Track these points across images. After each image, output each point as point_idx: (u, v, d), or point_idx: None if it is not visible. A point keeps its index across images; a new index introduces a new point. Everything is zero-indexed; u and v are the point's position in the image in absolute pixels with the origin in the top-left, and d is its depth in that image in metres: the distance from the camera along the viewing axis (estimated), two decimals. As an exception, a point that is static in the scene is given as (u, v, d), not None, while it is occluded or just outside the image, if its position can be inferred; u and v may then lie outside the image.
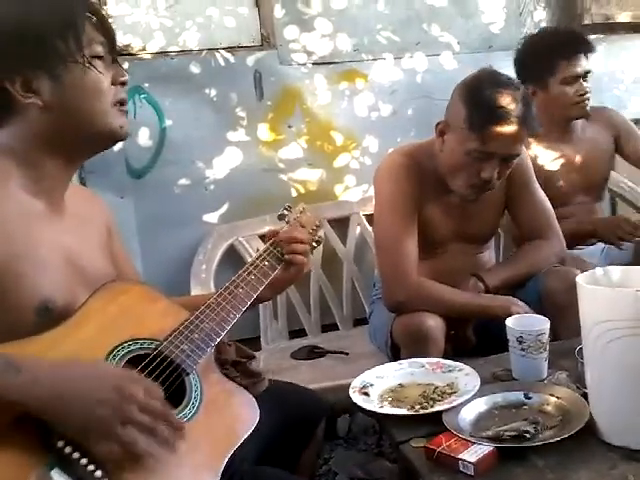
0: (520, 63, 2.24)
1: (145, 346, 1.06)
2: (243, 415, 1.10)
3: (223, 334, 1.15)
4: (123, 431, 0.89)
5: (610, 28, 2.87)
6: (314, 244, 1.47)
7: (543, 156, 2.22)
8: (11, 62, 1.02)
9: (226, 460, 1.01)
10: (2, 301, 0.97)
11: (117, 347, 1.03)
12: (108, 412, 0.89)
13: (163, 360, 1.05)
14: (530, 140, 2.12)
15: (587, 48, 2.18)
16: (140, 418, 0.91)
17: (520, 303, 1.72)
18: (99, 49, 1.07)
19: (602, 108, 2.35)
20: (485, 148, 1.67)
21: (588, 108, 2.20)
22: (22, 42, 1.02)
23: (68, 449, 0.89)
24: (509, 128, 1.66)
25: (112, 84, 1.09)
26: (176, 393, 1.05)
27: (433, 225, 1.82)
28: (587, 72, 2.18)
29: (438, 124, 1.78)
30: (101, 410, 0.89)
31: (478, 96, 1.68)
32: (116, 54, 1.12)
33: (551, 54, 2.16)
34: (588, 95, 2.18)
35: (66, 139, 1.07)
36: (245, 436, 1.06)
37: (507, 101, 1.67)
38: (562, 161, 2.24)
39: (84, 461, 0.89)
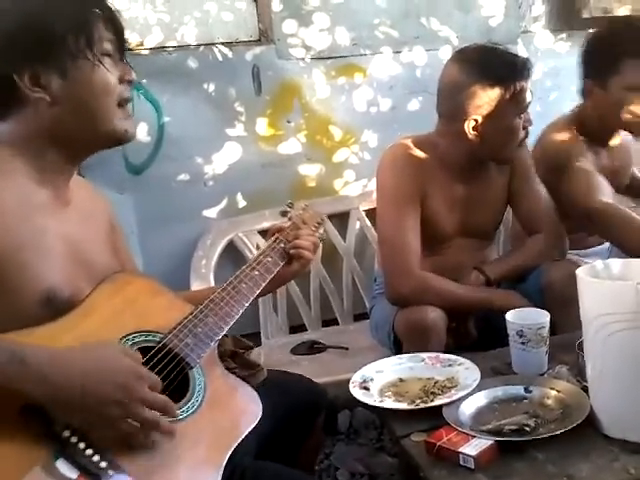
0: (582, 55, 1.93)
1: (149, 338, 1.06)
2: (246, 409, 1.11)
3: (226, 329, 1.15)
4: (127, 425, 0.91)
5: (609, 22, 2.85)
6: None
7: (581, 157, 1.91)
8: (20, 56, 1.03)
9: (229, 454, 1.01)
10: (6, 291, 0.97)
11: (122, 339, 1.04)
12: (114, 411, 0.90)
13: (167, 353, 1.05)
14: (575, 137, 1.94)
15: None
16: (145, 414, 0.92)
17: (519, 296, 1.72)
18: (108, 46, 1.08)
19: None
20: (525, 98, 1.72)
21: None
22: (32, 37, 1.03)
23: (73, 439, 0.90)
24: (525, 70, 1.73)
25: (119, 82, 1.10)
26: (179, 386, 1.05)
27: (437, 218, 1.81)
28: None
29: (466, 123, 1.72)
30: (107, 408, 0.90)
31: (496, 68, 1.70)
32: (124, 52, 1.12)
33: (618, 48, 1.80)
34: None
35: (70, 135, 1.07)
36: (247, 431, 1.07)
37: (509, 53, 1.75)
38: (599, 169, 1.94)
39: (89, 452, 0.90)
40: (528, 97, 1.73)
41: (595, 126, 1.94)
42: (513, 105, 1.71)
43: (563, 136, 1.96)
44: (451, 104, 1.76)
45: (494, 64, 1.71)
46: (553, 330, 1.48)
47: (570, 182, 1.87)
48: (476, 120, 1.72)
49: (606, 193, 1.86)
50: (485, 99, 1.70)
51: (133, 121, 1.13)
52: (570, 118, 2.01)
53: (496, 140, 1.74)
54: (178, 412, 1.00)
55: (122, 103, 1.10)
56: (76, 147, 1.10)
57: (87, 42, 1.05)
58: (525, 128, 1.76)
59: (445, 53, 2.62)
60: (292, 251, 1.33)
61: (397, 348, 1.76)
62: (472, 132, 1.73)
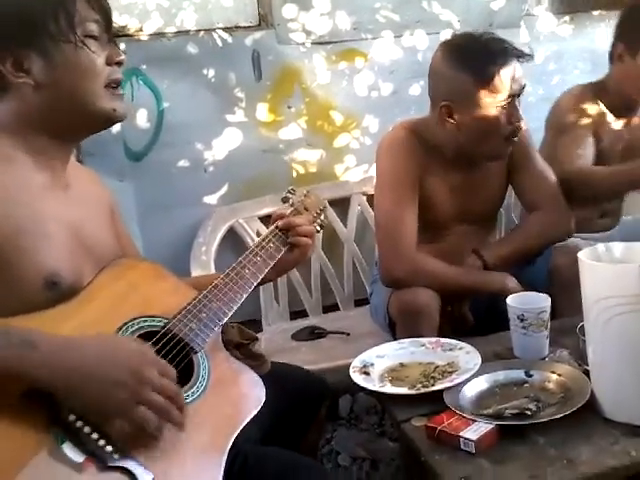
0: (619, 17, 1.95)
1: (154, 323, 1.07)
2: (250, 394, 1.10)
3: (230, 314, 1.15)
4: (137, 411, 0.91)
5: (613, 3, 2.82)
6: (317, 228, 1.46)
7: (603, 129, 1.95)
8: (1, 41, 1.02)
9: (233, 439, 1.01)
10: (8, 277, 0.97)
11: (126, 323, 1.04)
12: (124, 394, 0.90)
13: (172, 338, 1.05)
14: (592, 102, 1.95)
15: None
16: (154, 399, 0.92)
17: (513, 280, 1.70)
18: (93, 28, 1.06)
19: None
20: (509, 92, 1.67)
21: None
22: (12, 21, 1.02)
23: (79, 423, 0.90)
24: (512, 62, 1.67)
25: (107, 64, 1.08)
26: (184, 371, 1.05)
27: (435, 203, 1.80)
28: None
29: (440, 108, 1.72)
30: (117, 392, 0.90)
31: (471, 55, 1.66)
32: (112, 33, 1.11)
33: None
34: None
35: (59, 118, 1.06)
36: (252, 415, 1.06)
37: (495, 41, 1.68)
38: (617, 141, 1.97)
39: (95, 435, 0.90)
40: (508, 89, 1.66)
41: (618, 95, 1.94)
42: (489, 95, 1.66)
43: (578, 100, 1.93)
44: (433, 88, 1.76)
45: (472, 52, 1.67)
46: (558, 314, 1.48)
47: (559, 145, 1.90)
48: (449, 106, 1.70)
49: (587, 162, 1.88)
50: (459, 86, 1.67)
51: (123, 100, 1.11)
52: (592, 86, 2.00)
53: (473, 131, 1.70)
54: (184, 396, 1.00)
55: (111, 84, 1.09)
56: (66, 130, 1.09)
57: (69, 24, 1.03)
58: (512, 123, 1.69)
59: (446, 37, 2.59)
60: (291, 239, 1.33)
61: (392, 330, 1.76)
62: (447, 118, 1.71)
